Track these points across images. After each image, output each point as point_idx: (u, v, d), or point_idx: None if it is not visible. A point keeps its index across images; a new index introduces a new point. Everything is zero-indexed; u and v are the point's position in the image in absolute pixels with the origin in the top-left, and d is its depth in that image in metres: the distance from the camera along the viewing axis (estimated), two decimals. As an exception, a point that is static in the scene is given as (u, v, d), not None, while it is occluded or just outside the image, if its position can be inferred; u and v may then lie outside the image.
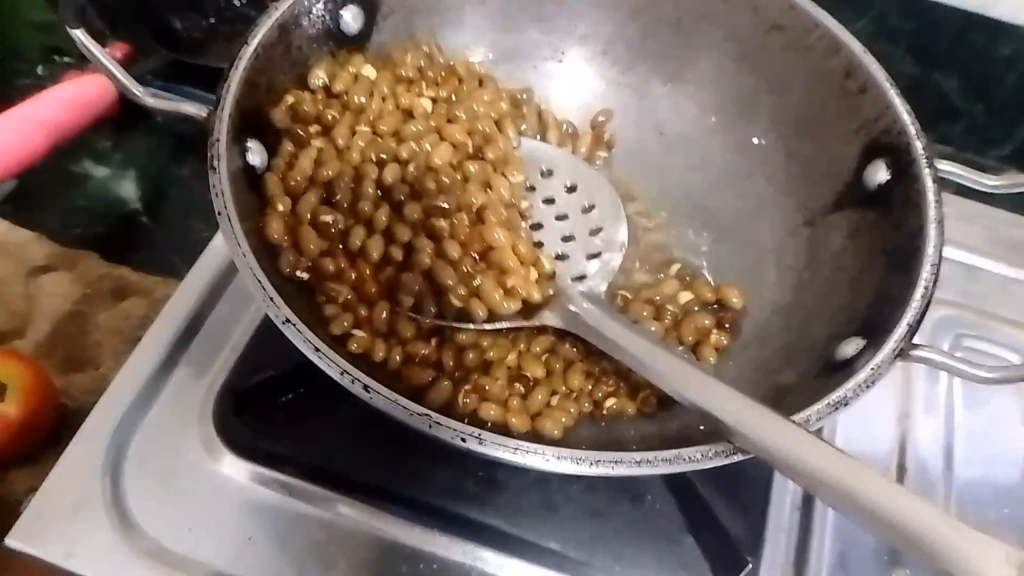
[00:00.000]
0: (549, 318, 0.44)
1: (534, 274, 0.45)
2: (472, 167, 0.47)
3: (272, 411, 0.45)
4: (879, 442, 0.51)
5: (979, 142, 0.75)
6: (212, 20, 0.74)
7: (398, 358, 0.42)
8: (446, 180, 0.46)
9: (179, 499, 0.44)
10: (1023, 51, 0.70)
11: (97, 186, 0.67)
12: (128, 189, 0.68)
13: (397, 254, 0.44)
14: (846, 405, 0.35)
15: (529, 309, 0.44)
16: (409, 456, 0.44)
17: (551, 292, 0.45)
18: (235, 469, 0.45)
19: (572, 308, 0.44)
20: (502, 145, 0.49)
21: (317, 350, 0.33)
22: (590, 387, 0.44)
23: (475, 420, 0.41)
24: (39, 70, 0.74)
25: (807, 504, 0.48)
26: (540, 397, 0.43)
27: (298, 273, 0.42)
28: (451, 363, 0.43)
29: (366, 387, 0.32)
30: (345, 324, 0.41)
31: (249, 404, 0.46)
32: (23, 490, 0.49)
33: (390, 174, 0.45)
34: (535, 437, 0.42)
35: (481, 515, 0.44)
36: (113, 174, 0.68)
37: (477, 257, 0.45)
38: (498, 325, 0.43)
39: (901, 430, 0.52)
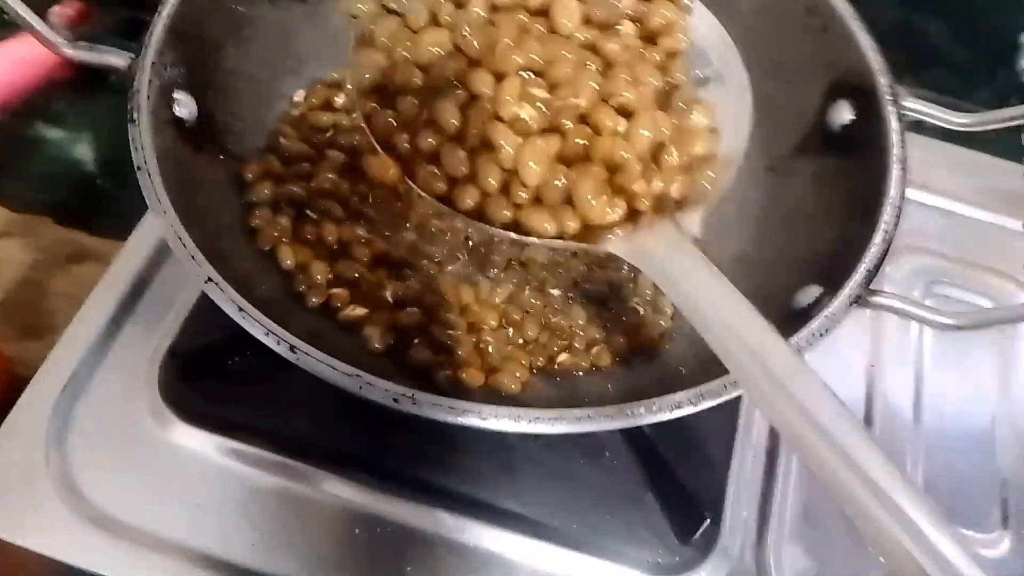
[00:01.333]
0: (622, 245, 0.35)
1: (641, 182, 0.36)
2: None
3: (220, 375, 0.44)
4: (847, 390, 0.50)
5: (960, 85, 0.73)
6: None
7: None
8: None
9: (126, 468, 0.43)
10: (1006, -8, 0.67)
11: (52, 149, 0.66)
12: (84, 152, 0.66)
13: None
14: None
15: (598, 229, 0.36)
16: (364, 419, 0.43)
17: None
18: (183, 435, 0.44)
19: (662, 242, 0.34)
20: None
21: (241, 309, 0.32)
22: (545, 340, 0.43)
23: (426, 373, 0.40)
24: (-13, 27, 0.72)
25: (770, 459, 0.46)
26: (492, 350, 0.41)
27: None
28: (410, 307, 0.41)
29: (292, 347, 0.31)
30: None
31: (196, 369, 0.44)
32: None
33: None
34: (491, 393, 0.40)
35: (441, 478, 0.42)
36: (68, 136, 0.66)
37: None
38: (556, 244, 0.36)
39: (869, 378, 0.51)
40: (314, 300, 0.41)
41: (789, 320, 0.37)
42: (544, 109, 0.35)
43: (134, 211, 0.60)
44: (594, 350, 0.42)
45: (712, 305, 0.31)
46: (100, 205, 0.63)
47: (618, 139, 0.35)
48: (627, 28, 0.39)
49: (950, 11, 0.70)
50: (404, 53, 0.37)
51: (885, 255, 0.36)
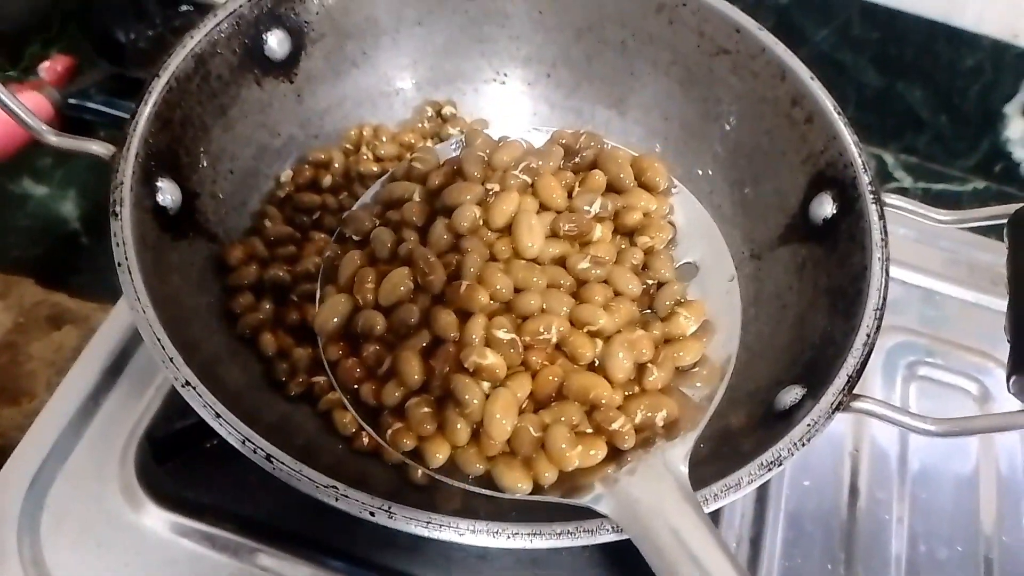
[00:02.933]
0: (605, 498, 0.32)
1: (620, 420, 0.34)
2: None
3: (195, 458, 0.44)
4: (832, 436, 0.50)
5: (944, 153, 0.74)
6: (158, 29, 0.72)
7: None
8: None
9: (98, 551, 0.42)
10: (987, 61, 0.68)
11: (36, 206, 0.65)
12: (68, 208, 0.66)
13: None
14: (779, 465, 0.33)
15: (580, 476, 0.33)
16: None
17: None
18: (156, 519, 0.43)
19: (645, 491, 0.32)
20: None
21: (218, 416, 0.31)
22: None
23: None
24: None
25: (755, 548, 0.46)
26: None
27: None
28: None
29: (269, 456, 0.31)
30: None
31: (171, 450, 0.44)
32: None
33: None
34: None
35: (410, 566, 0.42)
36: (53, 193, 0.66)
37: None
38: (532, 499, 0.34)
39: (856, 425, 0.52)
40: (296, 390, 0.40)
41: (771, 422, 0.37)
42: (511, 350, 0.34)
43: (115, 271, 0.59)
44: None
45: None
46: (82, 263, 0.62)
47: (593, 375, 0.34)
48: (599, 234, 0.38)
49: (934, 79, 0.71)
50: (367, 294, 0.36)
51: (867, 361, 0.36)
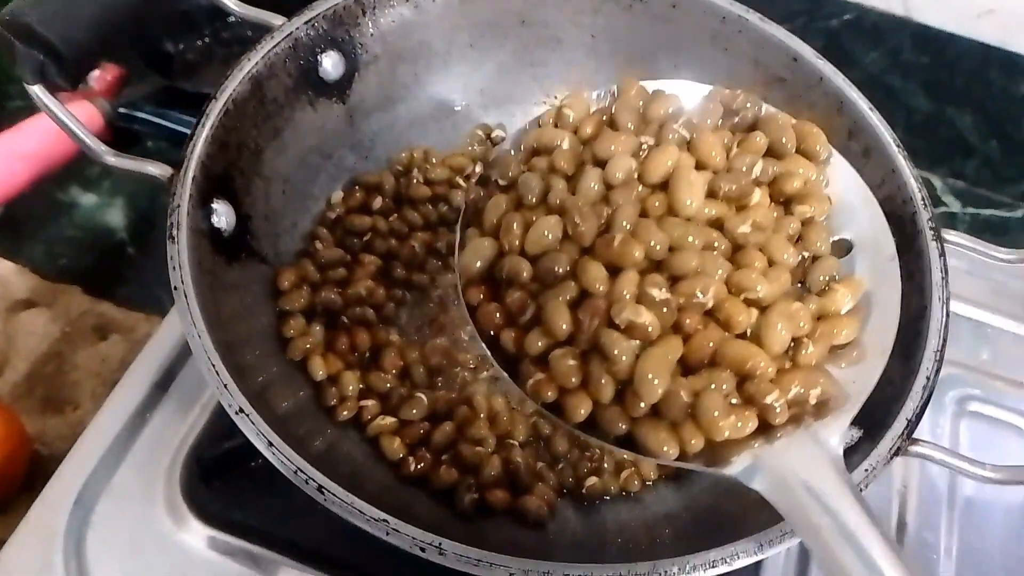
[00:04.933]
0: (752, 471, 0.31)
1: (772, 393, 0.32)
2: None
3: (241, 478, 0.44)
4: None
5: (993, 179, 0.73)
6: (207, 40, 0.73)
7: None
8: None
9: (143, 570, 0.43)
10: (1041, 88, 0.67)
11: (84, 215, 0.66)
12: (116, 218, 0.66)
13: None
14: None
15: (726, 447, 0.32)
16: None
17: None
18: (200, 538, 0.43)
19: (796, 467, 0.31)
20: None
21: (271, 444, 0.31)
22: (575, 458, 0.42)
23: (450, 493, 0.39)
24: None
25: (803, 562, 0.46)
26: (521, 468, 0.41)
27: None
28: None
29: (320, 488, 0.30)
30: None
31: (217, 470, 0.44)
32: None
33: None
34: (517, 516, 0.40)
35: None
36: (101, 202, 0.67)
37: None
38: (675, 465, 0.33)
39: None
40: (344, 414, 0.40)
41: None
42: (664, 310, 0.32)
43: (162, 281, 0.60)
44: (624, 474, 0.41)
45: (850, 560, 0.27)
46: (129, 274, 0.63)
47: (750, 344, 0.33)
48: (758, 198, 0.36)
49: (984, 104, 0.70)
50: (514, 240, 0.35)
51: (927, 405, 0.35)
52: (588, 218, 0.34)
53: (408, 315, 0.45)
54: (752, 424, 0.32)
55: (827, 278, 0.36)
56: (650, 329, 0.32)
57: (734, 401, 0.32)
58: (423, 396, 0.42)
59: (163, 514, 0.44)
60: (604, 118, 0.38)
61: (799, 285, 0.36)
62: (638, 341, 0.32)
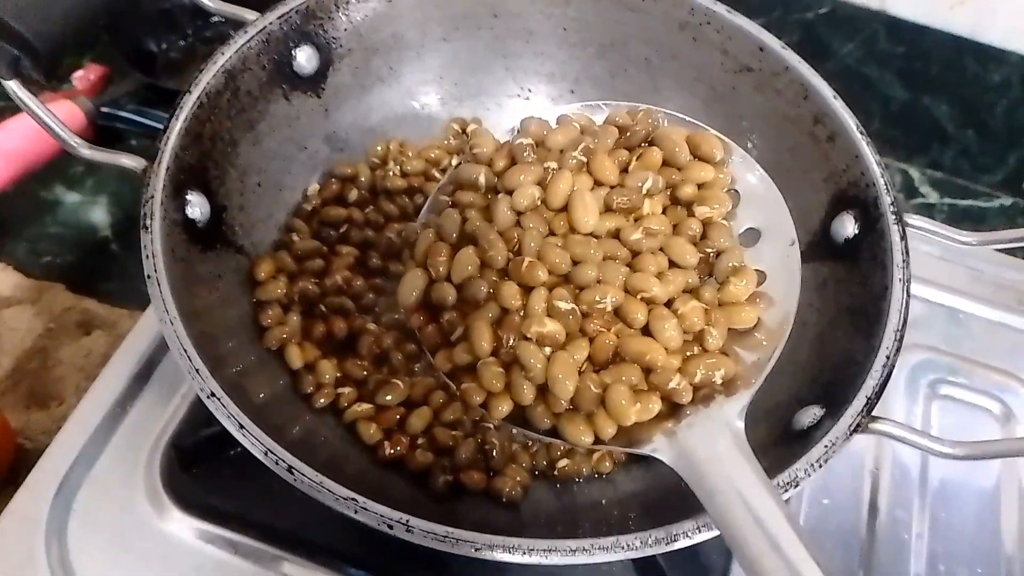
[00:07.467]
0: (664, 448, 0.35)
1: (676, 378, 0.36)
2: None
3: (220, 465, 0.44)
4: (853, 449, 0.49)
5: (971, 168, 0.74)
6: (189, 39, 0.73)
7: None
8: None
9: (124, 557, 0.43)
10: (1015, 77, 0.68)
11: (68, 213, 0.66)
12: (99, 216, 0.66)
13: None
14: (796, 486, 0.33)
15: (640, 429, 0.36)
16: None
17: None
18: (181, 525, 0.44)
19: (700, 441, 0.34)
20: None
21: (241, 427, 0.32)
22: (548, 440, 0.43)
23: (425, 476, 0.40)
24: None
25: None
26: (495, 450, 0.41)
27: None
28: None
29: (290, 468, 0.31)
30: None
31: (197, 458, 0.44)
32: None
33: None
34: (491, 498, 0.40)
35: (431, 577, 0.42)
36: (84, 200, 0.67)
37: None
38: (598, 448, 0.37)
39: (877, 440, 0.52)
40: (321, 402, 0.41)
41: (789, 441, 0.37)
42: (571, 318, 0.36)
43: (144, 278, 0.60)
44: (595, 455, 0.42)
45: (748, 528, 0.29)
46: (112, 270, 0.63)
47: (647, 340, 0.36)
48: (648, 208, 0.40)
49: (960, 94, 0.71)
50: (440, 269, 0.39)
51: (886, 382, 0.36)
52: (495, 246, 0.38)
53: (385, 303, 0.46)
54: (656, 407, 0.36)
55: (730, 268, 0.39)
56: (557, 336, 0.36)
57: (644, 388, 0.36)
58: (399, 382, 0.42)
59: (144, 502, 0.44)
60: (511, 152, 0.42)
61: (709, 277, 0.40)
62: (550, 348, 0.36)
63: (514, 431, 0.38)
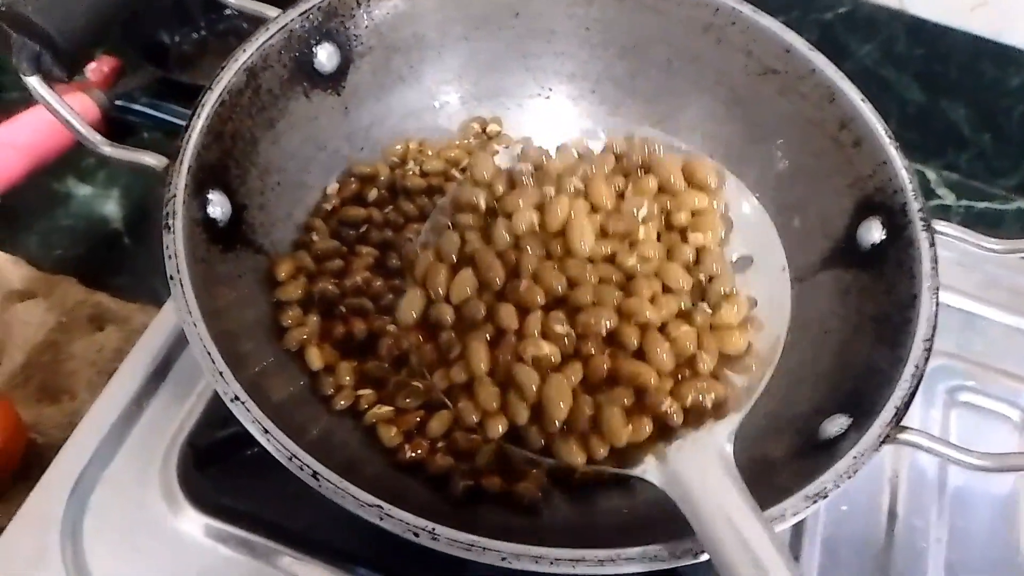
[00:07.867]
0: (653, 469, 0.35)
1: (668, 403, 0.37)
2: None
3: (236, 465, 0.44)
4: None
5: (987, 171, 0.73)
6: (203, 32, 0.73)
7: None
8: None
9: (140, 556, 0.43)
10: (1035, 81, 0.67)
11: (80, 206, 0.66)
12: (111, 209, 0.66)
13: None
14: (825, 497, 0.33)
15: (632, 450, 0.36)
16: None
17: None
18: (196, 525, 0.44)
19: (690, 464, 0.35)
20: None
21: (266, 432, 0.32)
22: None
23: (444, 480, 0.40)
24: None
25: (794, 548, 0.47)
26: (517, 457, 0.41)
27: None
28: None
29: (315, 474, 0.31)
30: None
31: (212, 458, 0.44)
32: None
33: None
34: (510, 502, 0.40)
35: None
36: (97, 193, 0.67)
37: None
38: (590, 469, 0.37)
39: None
40: (341, 404, 0.41)
41: (812, 451, 0.37)
42: (566, 340, 0.37)
43: (157, 271, 0.60)
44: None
45: (736, 553, 0.30)
46: (124, 264, 0.63)
47: (640, 363, 0.37)
48: (643, 234, 0.40)
49: (976, 97, 0.70)
50: (439, 290, 0.39)
51: (915, 393, 0.35)
52: (494, 268, 0.39)
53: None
54: (648, 429, 0.36)
55: (722, 293, 0.40)
56: (552, 358, 0.37)
57: (636, 410, 0.37)
58: (419, 384, 0.42)
59: (159, 501, 0.44)
60: (511, 178, 0.43)
61: (703, 302, 0.41)
62: (545, 370, 0.37)
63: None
